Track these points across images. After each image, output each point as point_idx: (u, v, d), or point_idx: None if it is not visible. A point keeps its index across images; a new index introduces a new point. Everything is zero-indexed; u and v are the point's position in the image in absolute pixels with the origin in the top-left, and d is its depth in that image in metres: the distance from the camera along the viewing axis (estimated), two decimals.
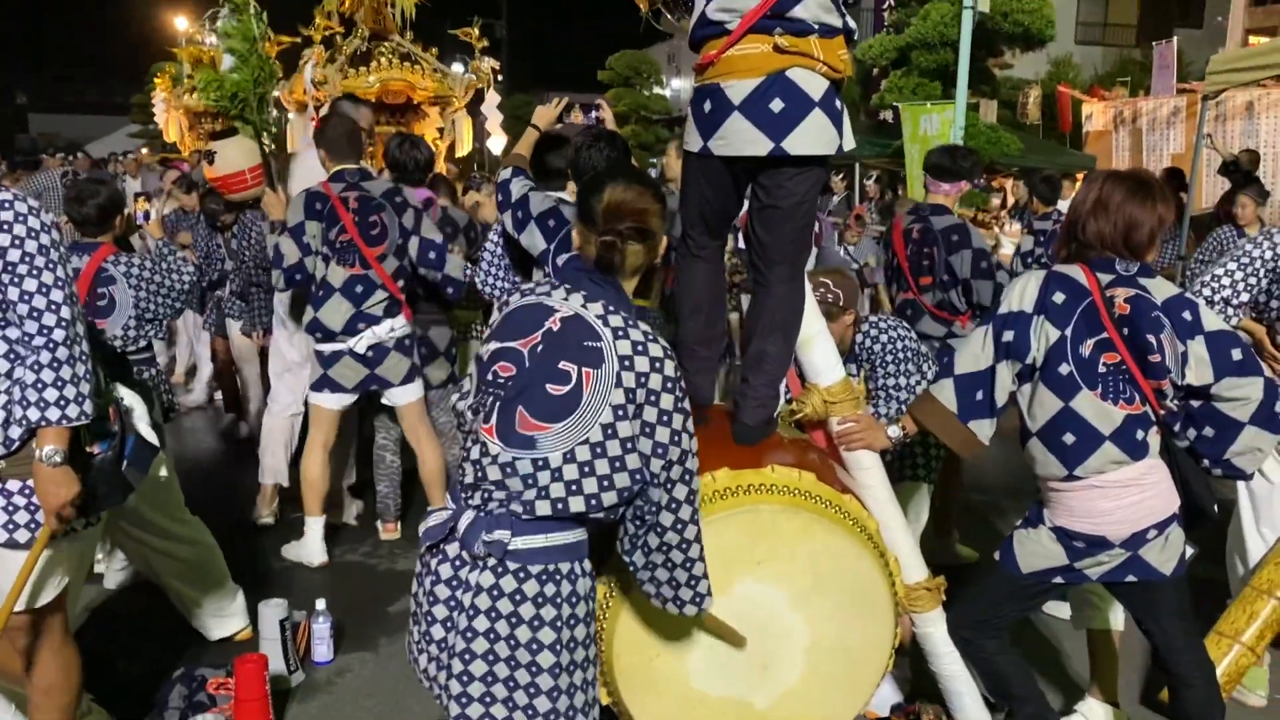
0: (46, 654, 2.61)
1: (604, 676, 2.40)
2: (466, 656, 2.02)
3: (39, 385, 2.29)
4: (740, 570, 2.42)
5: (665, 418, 2.04)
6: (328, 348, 4.35)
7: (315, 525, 4.53)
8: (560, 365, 2.02)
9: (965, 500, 5.20)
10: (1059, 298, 2.63)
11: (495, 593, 2.01)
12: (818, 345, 2.81)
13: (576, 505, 2.01)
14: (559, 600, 2.04)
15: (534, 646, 2.02)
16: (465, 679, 2.02)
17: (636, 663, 2.41)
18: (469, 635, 2.02)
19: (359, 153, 4.44)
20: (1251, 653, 3.32)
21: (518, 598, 2.01)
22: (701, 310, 2.80)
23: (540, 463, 2.00)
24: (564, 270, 2.13)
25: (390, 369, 4.41)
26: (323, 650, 3.67)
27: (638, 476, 2.04)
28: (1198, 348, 2.56)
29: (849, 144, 2.53)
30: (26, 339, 2.30)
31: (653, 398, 2.03)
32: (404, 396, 4.53)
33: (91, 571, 4.02)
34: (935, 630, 2.92)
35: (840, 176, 11.69)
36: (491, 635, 2.01)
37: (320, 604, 3.68)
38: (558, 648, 2.04)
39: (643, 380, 2.02)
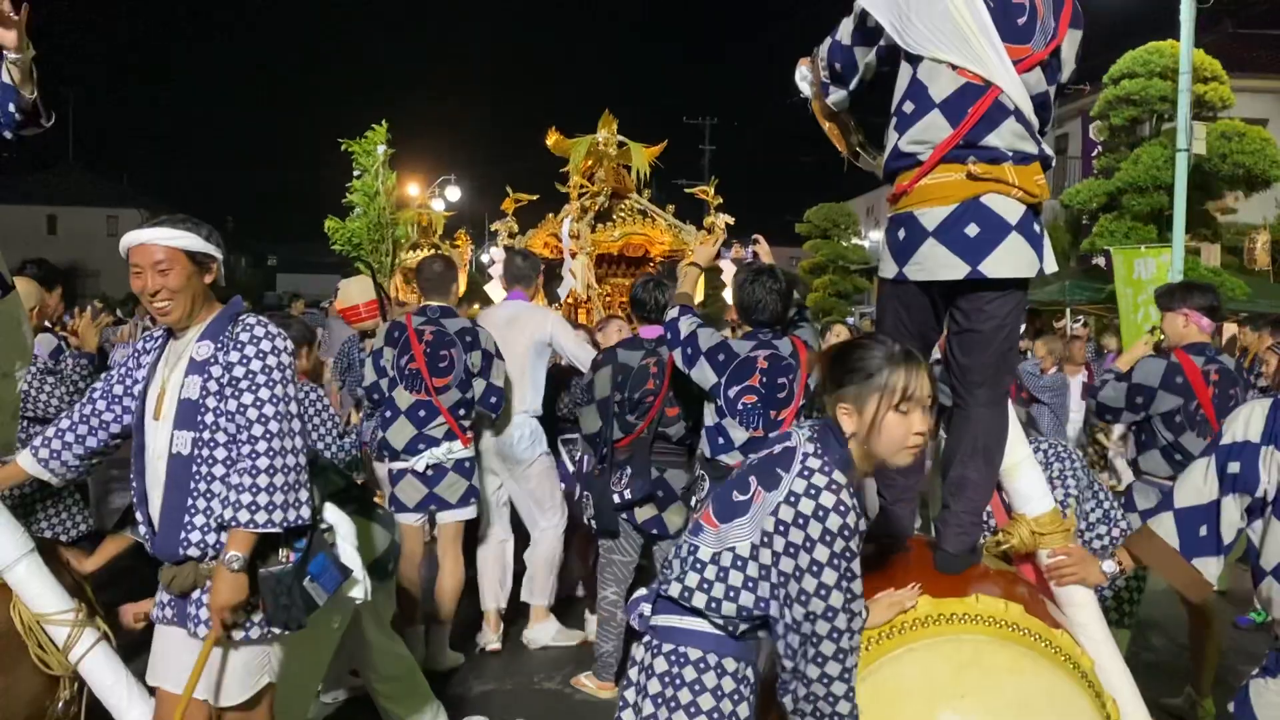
0: None
1: None
2: None
3: (238, 488, 2.48)
4: (942, 704, 2.32)
5: (815, 568, 2.06)
6: (395, 466, 4.69)
7: (410, 634, 4.67)
8: (749, 478, 2.21)
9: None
10: None
11: (647, 671, 2.22)
12: (1023, 473, 2.73)
13: (698, 601, 2.17)
14: (680, 683, 2.16)
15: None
16: None
17: None
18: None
19: (444, 292, 4.89)
20: None
21: (649, 672, 2.21)
22: None
23: (693, 548, 2.22)
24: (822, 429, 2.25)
25: (448, 489, 4.67)
26: None
27: (763, 604, 2.14)
28: None
29: (1050, 267, 2.52)
30: (237, 449, 2.52)
31: (807, 544, 2.06)
32: (455, 516, 4.76)
33: None
34: None
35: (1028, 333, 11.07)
36: (635, 708, 2.24)
37: None
38: None
39: (799, 521, 2.07)
